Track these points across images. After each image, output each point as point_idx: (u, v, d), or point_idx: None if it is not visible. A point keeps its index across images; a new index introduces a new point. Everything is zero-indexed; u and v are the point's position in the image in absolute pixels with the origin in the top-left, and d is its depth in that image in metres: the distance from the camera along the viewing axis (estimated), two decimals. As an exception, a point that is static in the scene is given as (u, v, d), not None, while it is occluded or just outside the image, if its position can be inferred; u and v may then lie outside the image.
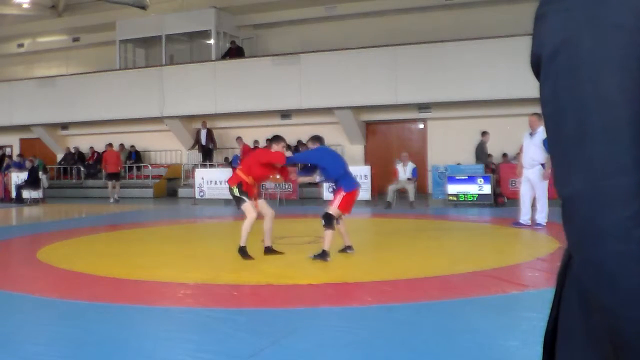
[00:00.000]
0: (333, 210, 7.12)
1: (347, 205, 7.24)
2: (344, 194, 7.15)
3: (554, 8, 0.77)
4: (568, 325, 0.86)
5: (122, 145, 21.53)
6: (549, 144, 0.80)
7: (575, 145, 0.73)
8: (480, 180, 14.10)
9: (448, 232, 10.41)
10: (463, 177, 14.26)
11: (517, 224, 9.90)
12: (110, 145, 19.31)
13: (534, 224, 9.74)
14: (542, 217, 9.67)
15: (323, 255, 6.99)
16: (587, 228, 0.72)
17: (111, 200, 18.45)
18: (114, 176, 18.66)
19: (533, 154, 9.49)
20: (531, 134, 9.60)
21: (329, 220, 7.05)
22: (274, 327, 4.34)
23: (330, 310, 4.81)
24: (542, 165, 9.49)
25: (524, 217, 9.86)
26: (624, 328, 0.71)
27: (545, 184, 9.56)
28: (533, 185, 9.64)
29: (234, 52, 20.10)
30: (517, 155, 10.34)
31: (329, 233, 7.02)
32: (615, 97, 0.71)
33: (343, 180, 7.24)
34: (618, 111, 0.71)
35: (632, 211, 0.69)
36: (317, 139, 7.67)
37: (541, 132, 9.26)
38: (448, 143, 17.63)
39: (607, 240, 0.70)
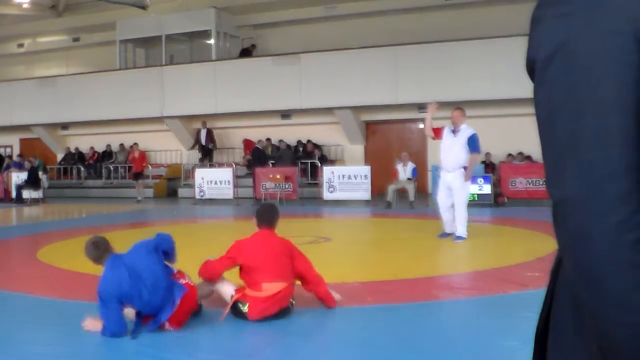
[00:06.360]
0: None
1: None
2: None
3: (550, 12, 0.77)
4: (559, 323, 0.86)
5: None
6: (542, 148, 0.78)
7: (568, 150, 0.73)
8: (480, 180, 14.10)
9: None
10: (463, 177, 14.24)
11: (444, 235, 8.57)
12: (136, 144, 19.25)
13: (453, 238, 8.33)
14: (462, 229, 8.20)
15: None
16: (578, 232, 0.72)
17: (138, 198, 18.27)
18: (137, 176, 18.63)
19: (457, 155, 7.98)
20: (454, 132, 8.09)
21: None
22: (273, 327, 4.34)
23: (330, 310, 4.81)
24: (464, 167, 8.03)
25: (449, 227, 8.49)
26: (612, 332, 0.71)
27: (467, 189, 8.24)
28: (452, 190, 8.07)
29: (249, 52, 20.32)
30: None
31: None
32: (610, 103, 0.71)
33: None
34: (612, 117, 0.71)
35: (623, 216, 0.70)
36: None
37: (465, 130, 8.01)
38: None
39: (598, 244, 0.70)
